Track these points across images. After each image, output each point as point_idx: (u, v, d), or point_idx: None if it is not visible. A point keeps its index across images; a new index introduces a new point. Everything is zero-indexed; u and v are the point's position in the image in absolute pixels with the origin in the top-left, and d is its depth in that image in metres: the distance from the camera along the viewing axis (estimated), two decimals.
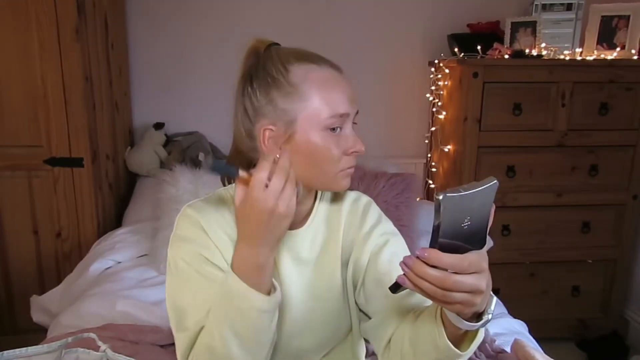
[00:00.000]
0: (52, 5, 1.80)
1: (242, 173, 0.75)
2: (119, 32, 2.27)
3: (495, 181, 0.63)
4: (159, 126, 2.36)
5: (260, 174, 0.72)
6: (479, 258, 0.63)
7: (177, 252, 0.84)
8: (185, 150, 2.30)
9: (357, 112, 0.86)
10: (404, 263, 0.64)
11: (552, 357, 1.24)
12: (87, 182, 1.96)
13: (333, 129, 0.81)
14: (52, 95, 1.87)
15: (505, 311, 1.65)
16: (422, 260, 0.62)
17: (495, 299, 0.71)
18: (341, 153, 0.83)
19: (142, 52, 2.43)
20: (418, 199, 2.24)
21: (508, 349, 1.33)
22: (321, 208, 0.94)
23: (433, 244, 0.62)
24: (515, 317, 1.60)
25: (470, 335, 0.74)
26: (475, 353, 1.30)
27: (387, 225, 0.96)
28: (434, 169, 2.50)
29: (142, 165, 2.32)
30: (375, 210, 0.97)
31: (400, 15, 2.49)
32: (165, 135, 2.38)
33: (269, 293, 0.78)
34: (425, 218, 2.09)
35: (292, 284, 0.90)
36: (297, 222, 0.90)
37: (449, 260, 0.61)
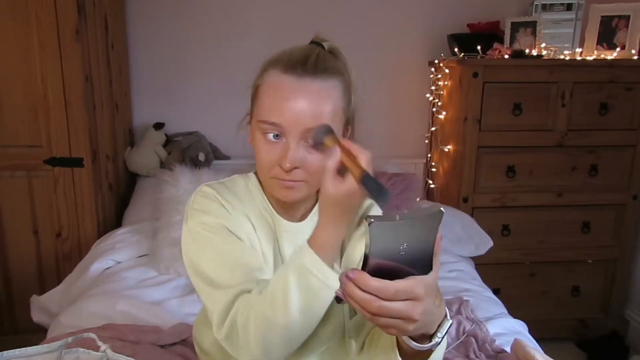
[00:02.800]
0: (52, 5, 1.80)
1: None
2: (119, 32, 2.27)
3: (440, 210, 0.61)
4: (159, 126, 2.36)
5: (331, 161, 0.72)
6: (412, 285, 0.62)
7: (198, 222, 0.85)
8: (185, 150, 2.30)
9: (310, 130, 0.79)
10: (340, 280, 0.63)
11: (552, 357, 1.24)
12: (87, 182, 1.96)
13: (277, 135, 0.80)
14: (52, 95, 1.87)
15: (505, 311, 1.64)
16: (352, 282, 0.61)
17: (449, 323, 0.71)
18: (274, 161, 0.81)
19: (142, 52, 2.43)
20: (418, 199, 2.24)
21: (508, 349, 1.33)
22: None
23: (363, 267, 0.61)
24: (515, 317, 1.60)
25: (427, 354, 0.73)
26: (475, 353, 1.30)
27: None
28: (434, 169, 2.50)
29: (142, 165, 2.32)
30: (375, 212, 0.98)
31: (400, 15, 2.49)
32: (165, 135, 2.38)
33: None
34: None
35: None
36: (301, 216, 0.93)
37: (374, 284, 0.60)
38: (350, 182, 0.70)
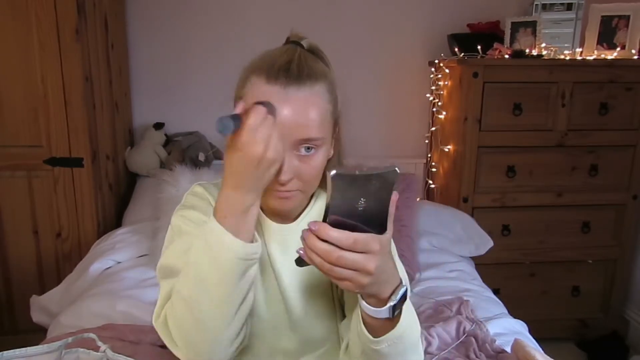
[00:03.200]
0: (52, 5, 1.80)
1: (238, 108, 0.72)
2: (119, 32, 2.27)
3: (395, 169, 0.66)
4: (159, 126, 2.36)
5: (251, 119, 0.70)
6: (369, 239, 0.65)
7: (180, 216, 0.85)
8: (185, 150, 2.30)
9: (304, 140, 0.79)
10: (302, 236, 0.66)
11: (552, 357, 1.24)
12: (87, 182, 1.96)
13: None
14: (52, 95, 1.87)
15: (505, 311, 1.64)
16: (313, 234, 0.64)
17: (404, 288, 0.72)
18: None
19: (142, 52, 2.43)
20: (418, 199, 2.24)
21: (508, 349, 1.33)
22: (315, 207, 0.95)
23: (324, 219, 0.64)
24: (515, 317, 1.60)
25: (389, 325, 0.74)
26: (475, 353, 1.30)
27: None
28: (434, 169, 2.50)
29: (142, 165, 2.32)
30: None
31: (400, 15, 2.49)
32: (165, 135, 2.38)
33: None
34: (425, 218, 2.09)
35: (284, 276, 0.91)
36: (291, 218, 0.92)
37: (334, 234, 0.63)
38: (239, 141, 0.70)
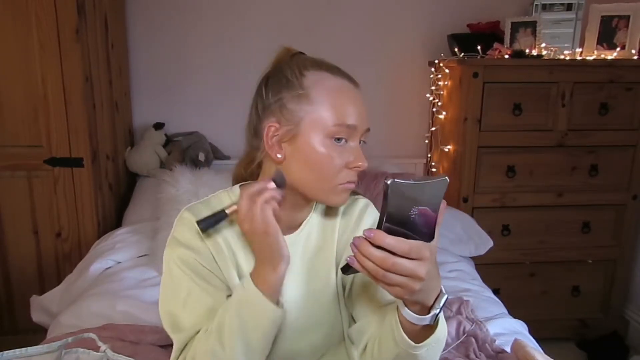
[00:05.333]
0: (52, 6, 1.80)
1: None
2: (119, 32, 2.27)
3: (446, 178, 0.67)
4: (159, 126, 2.36)
5: (241, 203, 0.78)
6: (421, 245, 0.66)
7: (172, 256, 0.85)
8: (185, 150, 2.30)
9: (367, 130, 0.86)
10: (354, 244, 0.67)
11: (552, 357, 1.24)
12: (87, 182, 1.96)
13: (338, 139, 0.82)
14: (52, 96, 1.87)
15: (505, 311, 1.64)
16: (368, 241, 0.65)
17: (445, 297, 0.74)
18: (342, 165, 0.82)
19: (142, 52, 2.43)
20: None
21: (508, 349, 1.33)
22: (315, 215, 0.94)
23: (379, 227, 0.66)
24: (515, 317, 1.60)
25: (427, 331, 0.75)
26: (475, 353, 1.30)
27: None
28: (434, 169, 2.50)
29: (142, 165, 2.32)
30: (371, 215, 0.97)
31: (400, 15, 2.49)
32: (165, 135, 2.38)
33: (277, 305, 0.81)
34: None
35: (286, 287, 0.89)
36: (292, 228, 0.92)
37: (390, 241, 0.64)
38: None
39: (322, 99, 0.81)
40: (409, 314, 0.73)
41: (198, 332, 0.83)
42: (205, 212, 0.86)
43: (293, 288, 0.91)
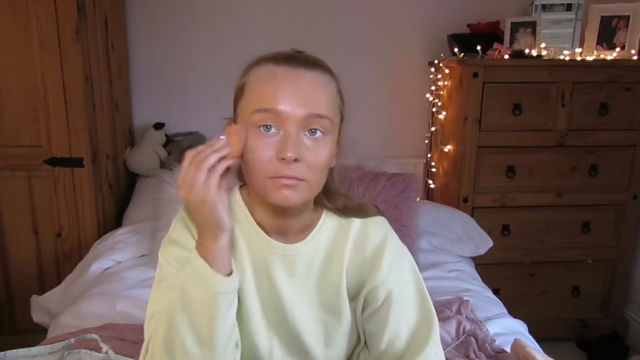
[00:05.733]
0: (52, 5, 1.80)
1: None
2: (119, 32, 2.27)
3: None
4: (159, 126, 2.36)
5: (182, 167, 0.75)
6: None
7: (165, 255, 0.84)
8: (185, 151, 2.30)
9: (316, 116, 0.75)
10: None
11: (552, 357, 1.24)
12: (87, 182, 1.96)
13: (266, 127, 0.75)
14: (52, 96, 1.87)
15: (505, 311, 1.64)
16: None
17: None
18: (271, 156, 0.74)
19: (142, 52, 2.43)
20: (418, 199, 2.24)
21: (508, 349, 1.33)
22: (325, 226, 0.88)
23: None
24: (515, 317, 1.60)
25: None
26: (475, 353, 1.30)
27: (399, 274, 0.88)
28: (434, 169, 2.50)
29: (142, 165, 2.32)
30: (389, 255, 0.88)
31: (400, 15, 2.49)
32: (166, 135, 2.38)
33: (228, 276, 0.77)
34: (425, 218, 2.08)
35: (289, 301, 0.86)
36: (294, 234, 0.86)
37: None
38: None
39: (251, 89, 0.78)
40: None
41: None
42: None
43: (300, 297, 0.86)
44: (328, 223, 0.88)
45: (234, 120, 0.83)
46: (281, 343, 0.88)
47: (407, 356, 0.84)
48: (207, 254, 0.75)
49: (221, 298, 0.75)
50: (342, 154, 0.87)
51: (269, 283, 0.85)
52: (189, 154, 0.75)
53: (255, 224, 0.86)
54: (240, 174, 0.86)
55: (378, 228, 0.89)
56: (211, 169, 0.73)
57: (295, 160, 0.73)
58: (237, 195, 0.88)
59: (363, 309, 0.89)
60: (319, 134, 0.76)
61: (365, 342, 0.92)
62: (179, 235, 0.84)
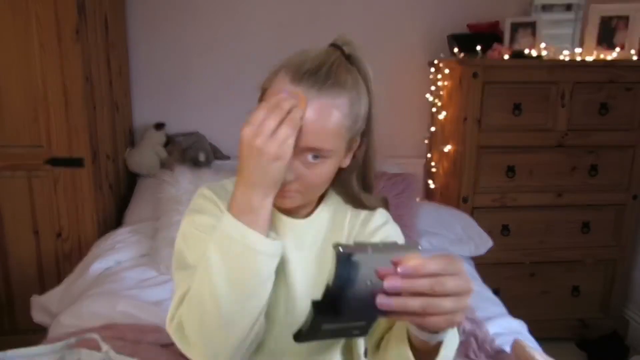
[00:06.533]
0: (52, 6, 1.80)
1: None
2: (119, 32, 2.27)
3: (419, 247, 0.61)
4: (159, 126, 2.36)
5: (256, 113, 0.71)
6: (450, 256, 0.61)
7: (190, 220, 0.85)
8: (185, 151, 2.30)
9: (312, 150, 0.76)
10: (389, 285, 0.58)
11: (552, 357, 1.24)
12: (87, 182, 1.96)
13: None
14: (52, 96, 1.87)
15: (505, 311, 1.64)
16: (407, 276, 0.58)
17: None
18: None
19: (142, 52, 2.43)
20: (418, 199, 2.24)
21: (508, 349, 1.33)
22: (326, 208, 0.93)
23: (328, 293, 0.59)
24: (515, 317, 1.60)
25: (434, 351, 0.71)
26: (474, 353, 1.31)
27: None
28: (434, 169, 2.50)
29: (142, 165, 2.32)
30: (389, 229, 0.95)
31: (400, 15, 2.49)
32: (166, 135, 2.38)
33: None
34: (425, 218, 2.09)
35: (296, 272, 0.88)
36: (303, 214, 0.90)
37: (434, 265, 0.58)
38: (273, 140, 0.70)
39: (267, 99, 0.77)
40: (421, 333, 0.67)
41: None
42: (223, 191, 0.87)
43: (303, 271, 0.89)
44: (329, 206, 0.93)
45: None
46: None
47: None
48: (248, 213, 0.73)
49: (260, 258, 0.73)
50: (375, 153, 0.93)
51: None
52: (266, 103, 0.72)
53: None
54: None
55: (379, 217, 0.95)
56: (292, 123, 0.72)
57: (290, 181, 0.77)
58: None
59: None
60: (317, 159, 0.78)
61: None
62: (202, 206, 0.86)
